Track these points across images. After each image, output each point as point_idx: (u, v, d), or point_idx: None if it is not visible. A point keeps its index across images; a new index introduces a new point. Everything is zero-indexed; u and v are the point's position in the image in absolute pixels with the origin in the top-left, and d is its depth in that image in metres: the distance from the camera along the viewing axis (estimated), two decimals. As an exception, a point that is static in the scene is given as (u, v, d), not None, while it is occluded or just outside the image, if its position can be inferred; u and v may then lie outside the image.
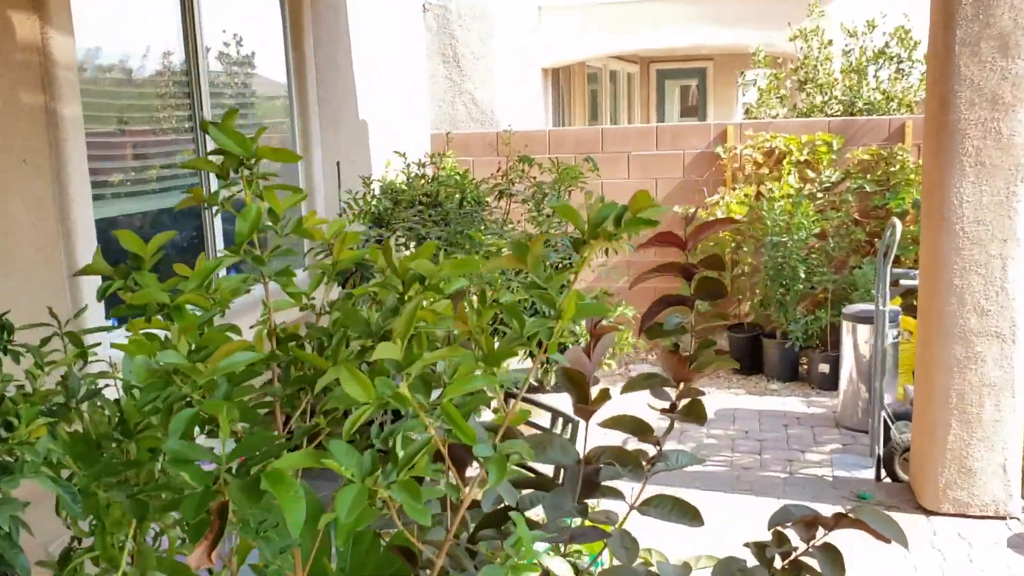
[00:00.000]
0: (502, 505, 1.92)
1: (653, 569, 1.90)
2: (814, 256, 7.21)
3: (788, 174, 7.40)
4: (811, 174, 7.45)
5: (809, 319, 7.14)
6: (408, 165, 5.15)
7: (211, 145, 4.41)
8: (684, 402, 1.98)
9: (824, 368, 6.97)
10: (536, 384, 5.20)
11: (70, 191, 3.48)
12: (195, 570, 1.19)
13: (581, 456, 1.82)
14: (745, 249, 7.54)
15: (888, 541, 1.78)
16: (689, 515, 1.84)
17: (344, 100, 5.61)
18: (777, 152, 7.56)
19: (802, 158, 7.45)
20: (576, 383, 1.85)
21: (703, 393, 1.95)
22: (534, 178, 4.86)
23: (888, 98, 8.58)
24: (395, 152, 5.20)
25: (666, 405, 1.98)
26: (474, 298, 1.63)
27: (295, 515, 1.17)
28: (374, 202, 4.65)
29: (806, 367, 7.33)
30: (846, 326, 6.14)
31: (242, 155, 1.58)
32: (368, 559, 2.17)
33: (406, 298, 1.51)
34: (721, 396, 6.95)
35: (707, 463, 5.59)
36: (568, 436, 3.23)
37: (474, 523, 1.80)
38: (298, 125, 5.15)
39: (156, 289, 1.67)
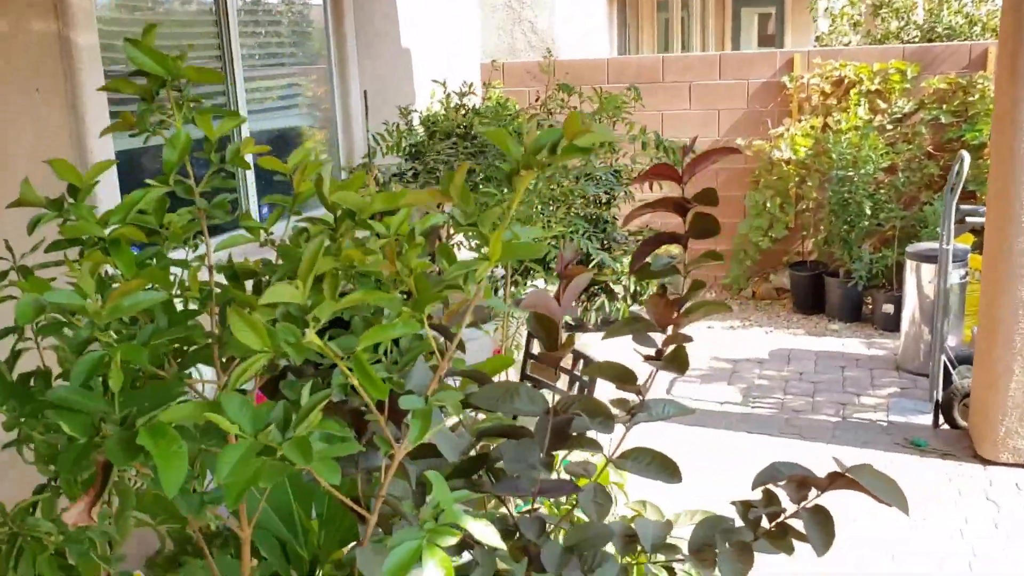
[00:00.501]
0: (473, 454, 1.81)
1: (632, 525, 1.76)
2: (882, 191, 6.86)
3: (857, 105, 7.03)
4: (882, 105, 7.06)
5: (874, 257, 6.83)
6: (448, 95, 4.98)
7: (240, 75, 4.31)
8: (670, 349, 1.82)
9: (888, 309, 6.67)
10: (573, 323, 5.05)
11: (87, 121, 3.42)
12: (71, 527, 1.09)
13: (550, 405, 1.68)
14: (809, 184, 7.22)
15: (889, 505, 1.61)
16: (668, 471, 1.70)
17: (385, 27, 5.45)
18: (846, 81, 7.17)
19: (873, 88, 7.05)
20: (544, 329, 1.71)
21: (690, 339, 1.79)
22: (574, 108, 4.65)
23: (971, 22, 8.06)
24: (434, 81, 5.03)
25: (651, 351, 1.82)
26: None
27: (171, 473, 1.07)
28: (407, 134, 4.50)
29: (870, 307, 7.03)
30: (910, 265, 5.84)
31: (164, 75, 1.45)
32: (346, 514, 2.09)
33: (339, 235, 1.38)
34: (778, 335, 6.72)
35: (756, 405, 5.41)
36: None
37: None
38: (335, 54, 5.01)
39: (91, 222, 1.57)
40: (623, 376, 1.78)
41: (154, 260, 1.66)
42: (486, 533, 1.20)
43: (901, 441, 4.82)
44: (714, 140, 7.65)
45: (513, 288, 4.79)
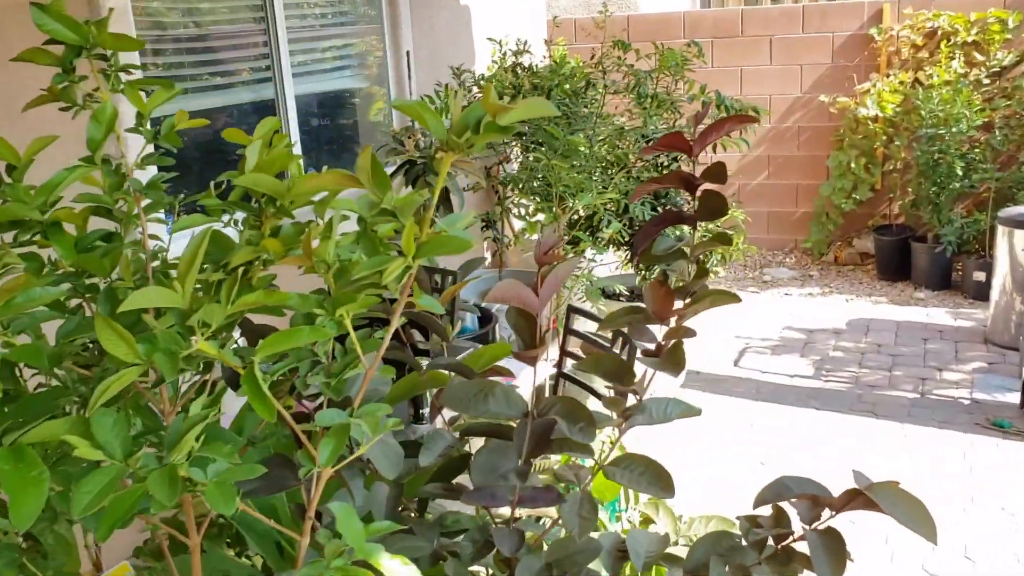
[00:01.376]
0: (457, 455, 1.64)
1: (626, 538, 1.58)
2: (976, 151, 6.41)
3: (951, 58, 6.56)
4: (979, 57, 6.57)
5: (966, 222, 6.40)
6: (504, 54, 4.77)
7: (284, 36, 4.18)
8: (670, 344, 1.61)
9: (980, 276, 6.25)
10: (629, 293, 4.83)
11: (117, 86, 3.33)
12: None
13: (530, 407, 1.50)
14: (897, 143, 6.79)
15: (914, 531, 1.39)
16: (661, 483, 1.50)
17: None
18: (940, 33, 6.69)
19: (969, 39, 6.57)
20: (523, 323, 1.52)
21: (692, 333, 1.58)
22: (631, 66, 4.39)
23: (1082, -33, 7.42)
24: (489, 39, 4.82)
25: (650, 347, 1.62)
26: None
27: (25, 504, 0.93)
28: (457, 95, 4.32)
29: (959, 275, 6.61)
30: (1001, 230, 5.43)
31: (79, 43, 1.30)
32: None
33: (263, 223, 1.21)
34: (859, 304, 6.37)
35: (829, 379, 5.12)
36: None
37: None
38: (387, 12, 4.84)
39: (28, 204, 1.44)
40: (616, 372, 1.59)
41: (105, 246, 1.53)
42: (403, 573, 1.04)
43: (983, 421, 4.48)
44: (795, 97, 7.27)
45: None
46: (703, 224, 4.52)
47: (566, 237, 4.75)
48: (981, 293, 6.19)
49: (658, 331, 1.66)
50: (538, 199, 3.90)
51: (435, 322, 1.86)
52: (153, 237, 1.41)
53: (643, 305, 1.64)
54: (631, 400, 1.60)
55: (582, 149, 3.91)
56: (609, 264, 5.30)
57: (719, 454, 4.31)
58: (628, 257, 4.85)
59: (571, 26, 7.66)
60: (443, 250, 1.04)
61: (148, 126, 1.52)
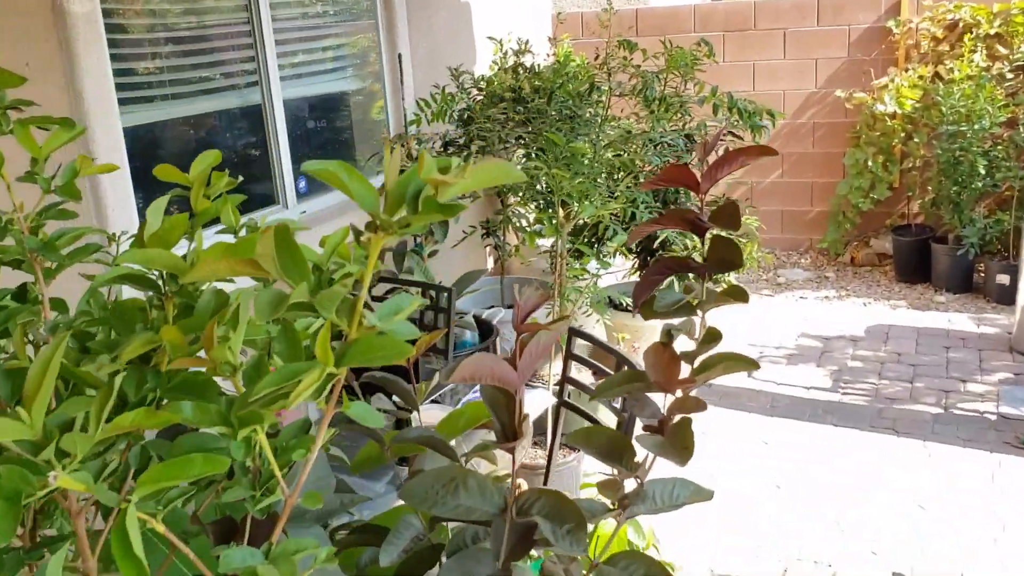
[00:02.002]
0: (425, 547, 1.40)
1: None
2: (999, 148, 6.11)
3: (972, 51, 6.26)
4: (1002, 50, 6.27)
5: (989, 222, 6.11)
6: (505, 53, 4.51)
7: (270, 40, 3.93)
8: (676, 420, 1.36)
9: (1003, 280, 5.96)
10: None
11: (85, 97, 3.09)
12: None
13: (509, 502, 1.25)
14: (916, 140, 6.51)
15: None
16: (663, 590, 1.25)
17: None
18: (961, 25, 6.40)
19: (992, 31, 6.27)
20: (500, 401, 1.27)
21: (703, 406, 1.33)
22: (637, 66, 4.13)
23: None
24: (489, 38, 4.57)
25: (654, 422, 1.37)
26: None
27: None
28: (456, 98, 4.07)
29: (982, 277, 6.32)
30: (1028, 235, 5.15)
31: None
32: None
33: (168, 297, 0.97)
34: (877, 308, 6.09)
35: (847, 391, 4.85)
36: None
37: None
38: (381, 11, 4.58)
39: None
40: (612, 450, 1.34)
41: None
42: None
43: (1012, 440, 4.22)
44: (810, 92, 6.98)
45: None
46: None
47: (569, 247, 4.50)
48: (1005, 297, 5.91)
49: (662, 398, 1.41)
50: (539, 208, 3.65)
51: (400, 386, 1.61)
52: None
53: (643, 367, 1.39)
54: (630, 483, 1.36)
55: (586, 157, 3.65)
56: (616, 272, 5.05)
57: (732, 468, 4.06)
58: (636, 265, 4.60)
59: (577, 21, 7.39)
60: (374, 357, 0.80)
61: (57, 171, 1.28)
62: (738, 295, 1.37)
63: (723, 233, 1.42)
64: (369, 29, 4.62)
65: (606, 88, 3.85)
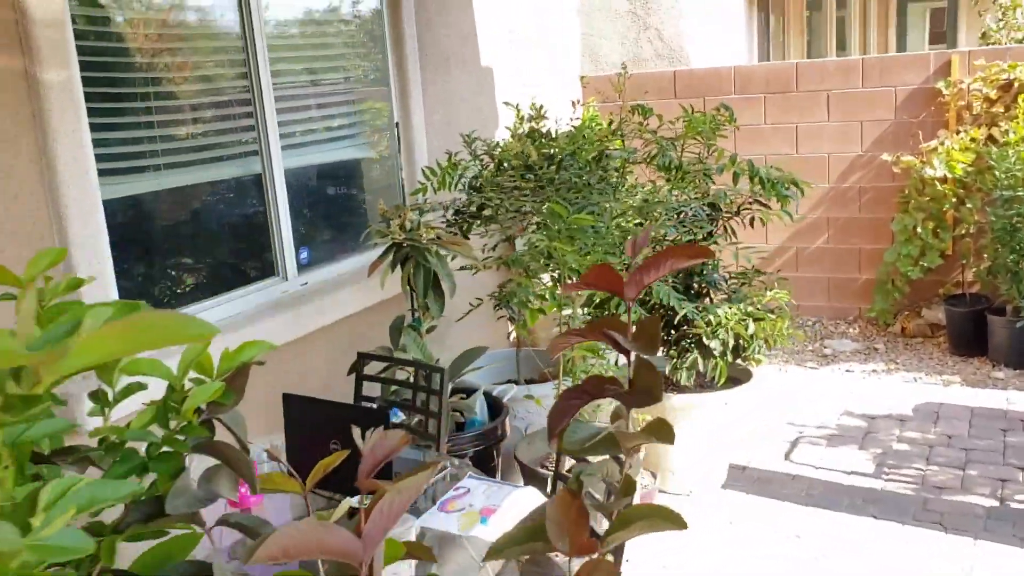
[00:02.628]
0: None
1: None
2: (1058, 215, 5.70)
3: (1028, 112, 5.89)
4: (1060, 111, 5.89)
5: (1049, 293, 5.69)
6: (522, 118, 4.30)
7: (271, 108, 3.76)
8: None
9: (1066, 355, 5.52)
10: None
11: (59, 170, 2.94)
12: None
13: None
14: (969, 206, 6.12)
15: None
16: None
17: (458, 45, 4.82)
18: (1016, 85, 6.04)
19: (1048, 92, 5.90)
20: None
21: (615, 571, 1.04)
22: (654, 132, 3.88)
23: None
24: (506, 104, 4.36)
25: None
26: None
27: None
28: (466, 165, 3.85)
29: (1043, 352, 5.87)
30: (1091, 309, 4.73)
31: None
32: None
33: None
34: (928, 386, 5.67)
35: (890, 478, 4.45)
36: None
37: None
38: (394, 75, 4.41)
39: None
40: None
41: None
42: None
43: (1074, 539, 3.79)
44: (856, 156, 6.64)
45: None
46: (733, 312, 3.96)
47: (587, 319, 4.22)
48: (1068, 374, 5.46)
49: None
50: (545, 283, 3.40)
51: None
52: None
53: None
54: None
55: (592, 228, 3.39)
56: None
57: (761, 570, 3.69)
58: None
59: (607, 84, 7.17)
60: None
61: None
62: (662, 434, 1.09)
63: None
64: (380, 96, 4.45)
65: (619, 155, 3.59)
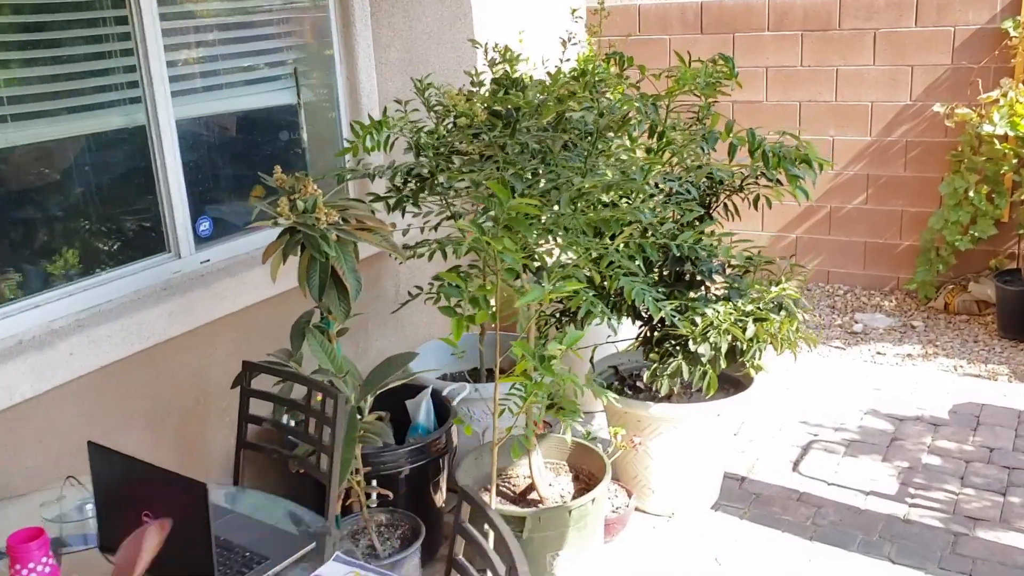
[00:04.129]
0: None
1: None
2: None
3: (1111, 61, 4.89)
4: None
5: (1120, 276, 4.77)
6: (491, 62, 3.47)
7: (155, 37, 2.96)
8: None
9: None
10: (638, 388, 3.48)
11: None
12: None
13: None
14: (1032, 168, 5.18)
15: None
16: None
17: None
18: (1098, 28, 5.03)
19: None
20: None
21: None
22: (636, 87, 3.02)
23: None
24: (471, 41, 3.52)
25: None
26: None
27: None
28: (399, 125, 3.03)
29: (1109, 343, 4.98)
30: None
31: None
32: None
33: None
34: (969, 378, 4.81)
35: (915, 501, 3.66)
36: None
37: None
38: (335, 5, 3.58)
39: None
40: None
41: None
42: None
43: None
44: (904, 106, 5.69)
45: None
46: (728, 312, 3.13)
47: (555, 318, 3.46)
48: None
49: None
50: (471, 287, 2.61)
51: None
52: None
53: None
54: None
55: (540, 216, 2.61)
56: (629, 340, 3.96)
57: None
58: (641, 336, 3.50)
59: (630, 15, 6.24)
60: None
61: None
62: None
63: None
64: (315, 25, 3.63)
65: (592, 115, 2.75)
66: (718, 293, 3.36)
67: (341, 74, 3.64)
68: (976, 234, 5.39)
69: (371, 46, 3.67)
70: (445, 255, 2.94)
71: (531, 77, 3.53)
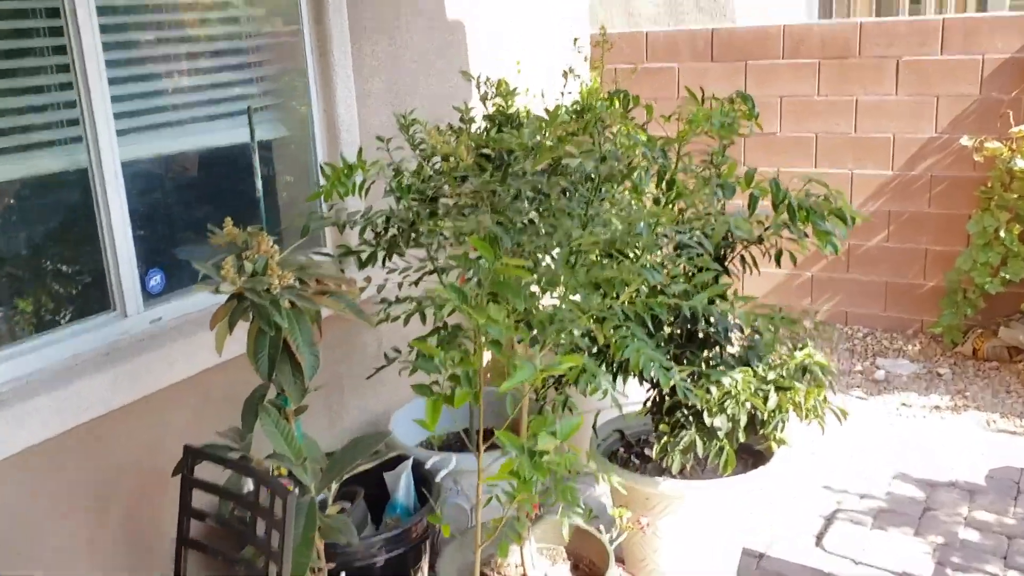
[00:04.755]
0: None
1: None
2: None
3: None
4: None
5: None
6: (484, 96, 3.10)
7: (96, 68, 2.55)
8: None
9: None
10: (639, 460, 3.07)
11: None
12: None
13: None
14: (1071, 206, 4.78)
15: None
16: None
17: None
18: None
19: None
20: None
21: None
22: (643, 128, 2.63)
23: None
24: (463, 73, 3.15)
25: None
26: None
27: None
28: (375, 168, 2.65)
29: None
30: None
31: None
32: None
33: None
34: (1005, 435, 4.39)
35: (956, 589, 3.25)
36: None
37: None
38: (309, 28, 3.21)
39: None
40: None
41: None
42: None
43: None
44: (928, 138, 5.30)
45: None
46: (747, 380, 2.74)
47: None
48: None
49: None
50: (451, 356, 2.23)
51: None
52: None
53: None
54: None
55: (532, 281, 2.23)
56: (635, 402, 3.55)
57: None
58: (649, 402, 3.10)
59: (637, 43, 5.88)
60: None
61: None
62: None
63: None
64: (288, 53, 3.26)
65: (591, 163, 2.34)
66: (735, 354, 2.96)
67: (317, 107, 3.27)
68: (1007, 276, 4.98)
69: (351, 76, 3.30)
70: (424, 318, 2.54)
71: (528, 112, 3.16)
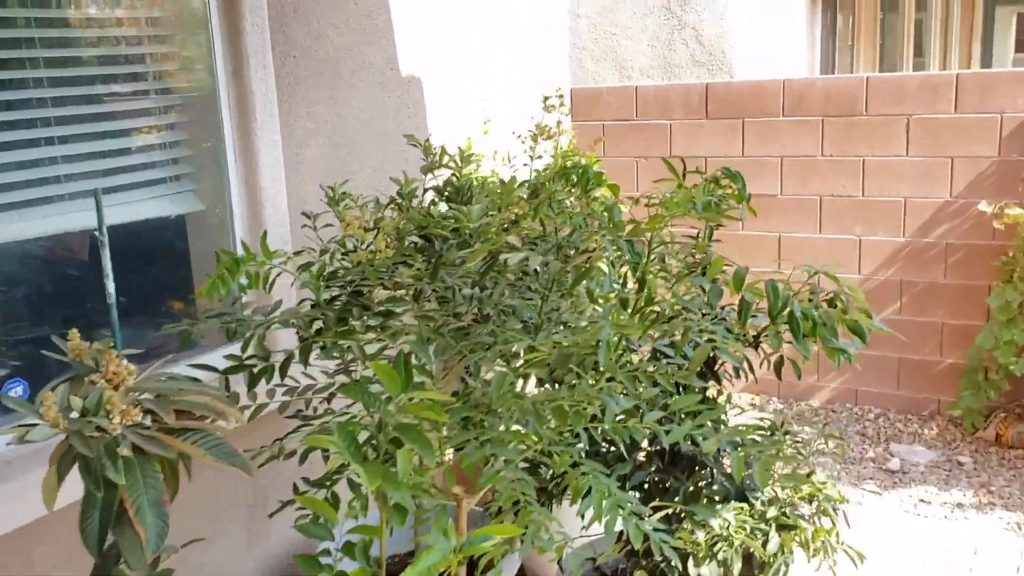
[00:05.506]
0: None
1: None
2: None
3: None
4: None
5: None
6: (432, 165, 2.61)
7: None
8: None
9: None
10: None
11: None
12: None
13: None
14: (1103, 281, 4.25)
15: None
16: None
17: (357, 40, 3.11)
18: None
19: None
20: None
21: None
22: (606, 211, 2.13)
23: None
24: (405, 137, 2.67)
25: None
26: None
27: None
28: (280, 258, 2.14)
29: None
30: None
31: None
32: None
33: None
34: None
35: None
36: None
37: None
38: (228, 90, 2.73)
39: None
40: None
41: None
42: None
43: None
44: (943, 203, 4.79)
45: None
46: (741, 520, 2.19)
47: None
48: None
49: None
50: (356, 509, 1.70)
51: None
52: None
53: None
54: None
55: (470, 415, 1.72)
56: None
57: None
58: (622, 539, 2.55)
59: (626, 98, 5.42)
60: None
61: None
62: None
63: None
64: (201, 115, 2.76)
65: (519, 260, 1.83)
66: (731, 474, 2.42)
67: (236, 177, 2.77)
68: (1034, 356, 4.44)
69: (279, 140, 2.81)
70: (327, 457, 2.01)
71: (484, 182, 2.65)
